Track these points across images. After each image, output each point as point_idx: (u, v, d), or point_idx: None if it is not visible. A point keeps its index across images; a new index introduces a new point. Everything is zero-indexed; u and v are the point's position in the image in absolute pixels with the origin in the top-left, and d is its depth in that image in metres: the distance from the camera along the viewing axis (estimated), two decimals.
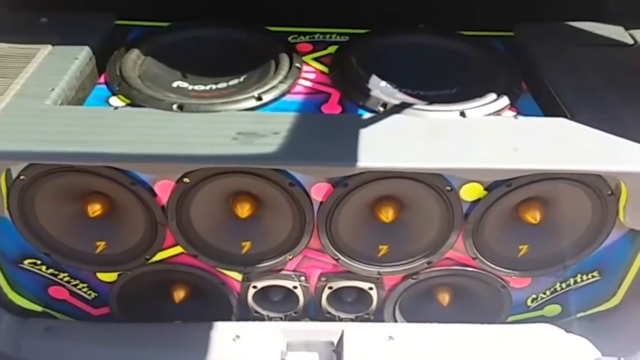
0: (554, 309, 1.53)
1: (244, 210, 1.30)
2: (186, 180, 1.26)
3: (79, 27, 1.60)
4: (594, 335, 1.42)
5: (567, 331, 1.44)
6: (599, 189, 1.27)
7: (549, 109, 1.41)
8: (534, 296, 1.49)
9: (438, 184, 1.26)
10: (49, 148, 1.21)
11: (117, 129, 1.27)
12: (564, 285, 1.47)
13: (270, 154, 1.21)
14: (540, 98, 1.45)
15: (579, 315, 1.51)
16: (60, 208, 1.33)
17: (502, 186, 1.26)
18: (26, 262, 1.42)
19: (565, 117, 1.34)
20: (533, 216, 1.30)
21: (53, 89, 1.36)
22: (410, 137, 1.26)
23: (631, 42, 1.62)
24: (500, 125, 1.32)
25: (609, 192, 1.27)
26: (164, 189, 1.29)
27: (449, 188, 1.26)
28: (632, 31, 1.65)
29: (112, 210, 1.33)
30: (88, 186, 1.30)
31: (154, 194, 1.29)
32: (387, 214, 1.30)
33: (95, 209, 1.30)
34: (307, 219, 1.31)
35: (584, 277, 1.46)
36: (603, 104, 1.37)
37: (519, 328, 1.46)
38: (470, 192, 1.28)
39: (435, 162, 1.21)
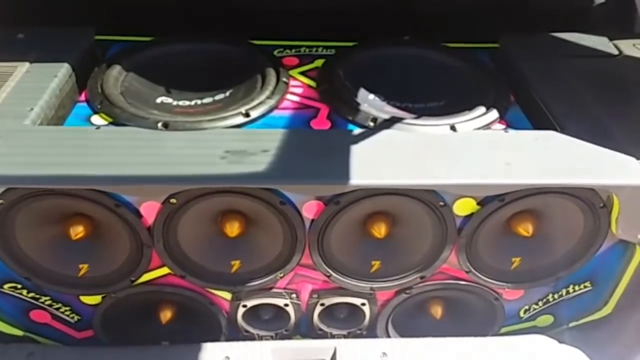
0: (546, 320, 1.53)
1: (233, 229, 1.27)
2: (173, 201, 1.23)
3: (57, 43, 1.56)
4: (586, 344, 1.43)
5: (560, 341, 1.44)
6: (591, 201, 1.27)
7: (538, 122, 1.41)
8: (526, 307, 1.49)
9: (431, 199, 1.25)
10: (28, 171, 1.17)
11: (100, 150, 1.23)
12: (556, 296, 1.47)
13: (260, 173, 1.18)
14: (528, 111, 1.45)
15: (571, 325, 1.52)
16: (41, 231, 1.29)
17: (495, 201, 1.25)
18: (6, 286, 1.37)
19: (555, 129, 1.34)
20: (526, 229, 1.29)
21: (32, 109, 1.32)
22: (402, 153, 1.25)
23: (616, 52, 1.63)
24: (491, 139, 1.32)
25: (601, 205, 1.28)
26: (149, 210, 1.25)
27: (442, 203, 1.25)
28: (616, 41, 1.67)
29: (95, 232, 1.29)
30: (70, 208, 1.26)
31: (140, 216, 1.26)
32: (380, 230, 1.28)
33: (77, 231, 1.26)
34: (298, 237, 1.29)
35: (576, 288, 1.46)
36: (591, 116, 1.38)
37: (511, 340, 1.45)
38: (463, 207, 1.27)
39: (429, 179, 1.20)
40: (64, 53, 1.52)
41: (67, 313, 1.44)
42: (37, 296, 1.40)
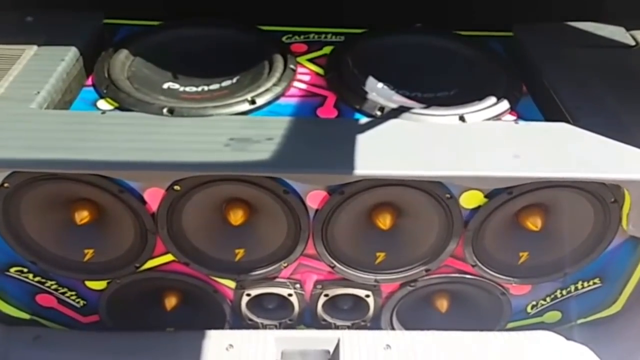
0: (554, 316, 1.50)
1: (237, 217, 1.26)
2: (177, 187, 1.22)
3: (65, 26, 1.55)
4: (594, 342, 1.41)
5: (568, 338, 1.42)
6: (602, 196, 1.24)
7: (550, 113, 1.38)
8: (534, 303, 1.47)
9: (437, 191, 1.23)
10: (33, 155, 1.17)
11: (105, 135, 1.23)
12: (564, 292, 1.45)
13: (264, 161, 1.17)
14: (540, 101, 1.42)
15: (579, 321, 1.49)
16: (46, 215, 1.29)
17: (503, 194, 1.23)
18: (12, 270, 1.38)
19: (567, 121, 1.31)
20: (534, 223, 1.27)
21: (38, 92, 1.32)
22: (409, 143, 1.23)
23: (632, 43, 1.59)
24: (500, 130, 1.29)
25: (612, 200, 1.25)
26: (154, 197, 1.25)
27: (448, 196, 1.23)
28: (633, 32, 1.63)
29: (100, 217, 1.29)
30: (75, 193, 1.26)
31: (144, 202, 1.25)
32: (385, 221, 1.26)
33: (82, 216, 1.26)
34: (302, 227, 1.28)
35: (585, 284, 1.44)
36: (605, 108, 1.34)
37: (518, 335, 1.43)
38: (470, 200, 1.25)
39: (435, 170, 1.18)
40: (72, 36, 1.51)
41: (73, 297, 1.44)
42: (43, 280, 1.40)
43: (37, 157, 1.17)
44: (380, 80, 1.46)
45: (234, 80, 1.46)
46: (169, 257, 1.35)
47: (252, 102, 1.35)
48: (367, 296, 1.43)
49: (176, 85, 1.45)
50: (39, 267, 1.36)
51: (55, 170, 1.20)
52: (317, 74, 1.49)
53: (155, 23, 1.62)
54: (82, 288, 1.42)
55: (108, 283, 1.40)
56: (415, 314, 1.47)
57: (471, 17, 1.69)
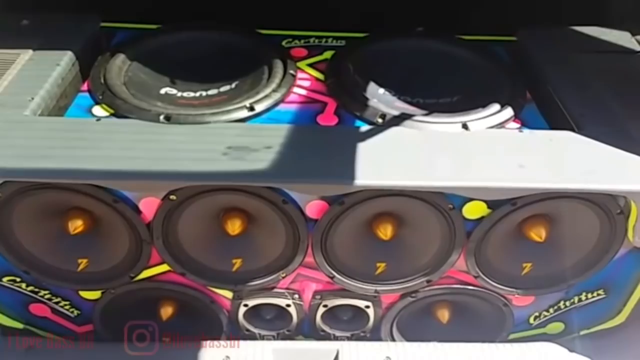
0: (556, 327, 1.48)
1: (234, 227, 1.23)
2: (173, 197, 1.20)
3: (62, 29, 1.52)
4: (597, 353, 1.39)
5: (570, 350, 1.39)
6: (608, 207, 1.22)
7: (555, 121, 1.35)
8: (536, 314, 1.44)
9: (440, 202, 1.20)
10: (25, 165, 1.14)
11: (99, 143, 1.20)
12: (568, 303, 1.42)
13: (263, 171, 1.14)
14: (545, 109, 1.39)
15: (582, 333, 1.47)
16: (39, 225, 1.26)
17: (506, 204, 1.20)
18: (5, 279, 1.35)
19: (572, 130, 1.29)
20: (538, 234, 1.24)
21: (32, 98, 1.29)
22: (410, 152, 1.20)
23: (638, 48, 1.56)
24: (504, 139, 1.26)
25: (618, 211, 1.22)
26: (149, 206, 1.22)
27: (451, 206, 1.20)
28: (638, 37, 1.60)
29: (94, 226, 1.26)
30: (68, 202, 1.23)
31: (139, 212, 1.22)
32: (386, 231, 1.24)
33: (76, 225, 1.23)
34: (301, 237, 1.25)
35: (589, 295, 1.41)
36: (611, 116, 1.32)
37: (520, 347, 1.41)
38: (473, 211, 1.22)
39: (437, 180, 1.15)
40: (68, 40, 1.49)
41: (67, 307, 1.42)
42: (37, 290, 1.38)
43: (29, 166, 1.14)
44: (381, 85, 1.44)
45: (233, 85, 1.43)
46: (164, 267, 1.32)
47: (251, 108, 1.32)
48: (367, 307, 1.40)
49: (173, 91, 1.42)
50: (32, 277, 1.33)
51: (49, 180, 1.17)
52: (318, 79, 1.46)
53: (153, 27, 1.59)
54: (76, 298, 1.39)
55: (102, 293, 1.37)
56: (416, 324, 1.45)
57: (473, 20, 1.67)
